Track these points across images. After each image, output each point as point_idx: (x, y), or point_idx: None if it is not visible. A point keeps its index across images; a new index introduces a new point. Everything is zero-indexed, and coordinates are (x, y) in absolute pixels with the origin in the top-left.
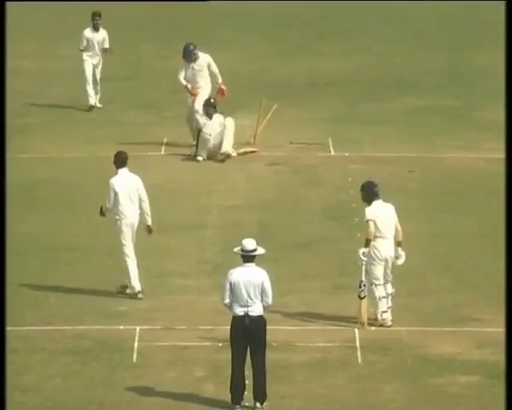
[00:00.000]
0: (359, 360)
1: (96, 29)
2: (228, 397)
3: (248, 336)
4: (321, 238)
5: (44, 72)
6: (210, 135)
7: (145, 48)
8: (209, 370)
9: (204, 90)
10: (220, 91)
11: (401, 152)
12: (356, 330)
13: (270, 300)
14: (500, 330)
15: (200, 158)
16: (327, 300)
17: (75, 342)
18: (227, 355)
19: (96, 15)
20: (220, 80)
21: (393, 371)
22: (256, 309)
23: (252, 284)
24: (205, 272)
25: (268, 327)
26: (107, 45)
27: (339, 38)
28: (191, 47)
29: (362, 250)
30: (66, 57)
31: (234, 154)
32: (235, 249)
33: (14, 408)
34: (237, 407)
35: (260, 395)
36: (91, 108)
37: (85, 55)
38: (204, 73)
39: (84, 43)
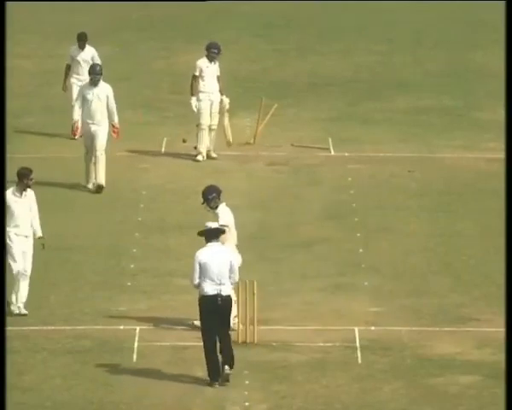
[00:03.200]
0: (359, 360)
1: (81, 47)
2: (227, 397)
3: (218, 314)
4: (321, 238)
5: (44, 72)
6: (206, 125)
7: (145, 48)
8: None
9: (102, 129)
10: (114, 131)
11: (401, 152)
12: (356, 330)
13: (236, 277)
14: (500, 330)
15: (200, 158)
16: (327, 300)
17: (75, 342)
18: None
19: (82, 37)
20: (116, 119)
21: (393, 371)
22: (226, 288)
23: (222, 263)
24: None
25: (268, 327)
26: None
27: (339, 37)
28: (97, 68)
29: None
30: (66, 57)
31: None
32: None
33: (14, 408)
34: (216, 383)
35: (228, 360)
36: (73, 138)
37: (73, 79)
38: (103, 103)
39: (70, 61)
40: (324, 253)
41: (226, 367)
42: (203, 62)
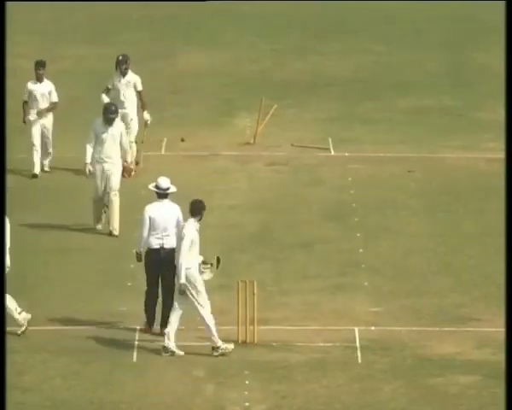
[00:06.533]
0: (359, 360)
1: (39, 80)
2: (227, 397)
3: (162, 266)
4: (321, 238)
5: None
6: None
7: (145, 48)
8: (209, 370)
9: (117, 168)
10: (127, 171)
11: (401, 152)
12: (356, 330)
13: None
14: (500, 330)
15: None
16: (327, 300)
17: (75, 342)
18: (227, 355)
19: (39, 65)
20: (129, 159)
21: (393, 371)
22: (170, 242)
23: (168, 218)
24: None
25: (268, 327)
26: (55, 99)
27: (338, 37)
28: (113, 108)
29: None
30: (65, 57)
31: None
32: (150, 186)
33: (14, 408)
34: (152, 328)
35: (165, 322)
36: (35, 176)
37: (32, 115)
38: (117, 142)
39: (26, 97)
40: (324, 253)
41: (165, 330)
42: (115, 77)
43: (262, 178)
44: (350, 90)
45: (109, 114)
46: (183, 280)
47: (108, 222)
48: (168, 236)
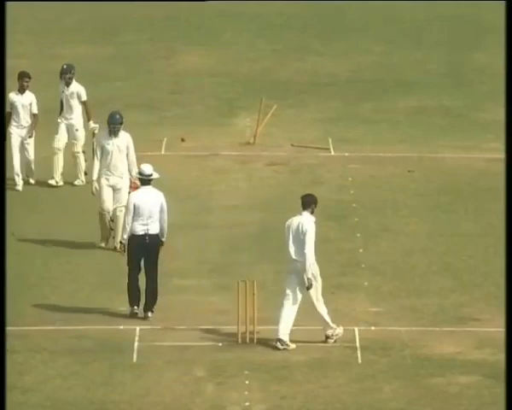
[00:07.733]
0: (359, 360)
1: (21, 91)
2: (227, 397)
3: (146, 251)
4: (321, 238)
5: (43, 72)
6: (57, 149)
7: (145, 48)
8: (209, 370)
9: (124, 182)
10: (132, 186)
11: (401, 152)
12: (356, 330)
13: (166, 216)
14: (500, 330)
15: (52, 182)
16: (327, 300)
17: (75, 342)
18: (227, 355)
19: (24, 76)
20: (134, 172)
21: (393, 371)
22: (154, 228)
23: (152, 204)
24: (205, 272)
25: (268, 327)
26: (35, 111)
27: (338, 37)
28: (117, 117)
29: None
30: (64, 57)
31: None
32: (134, 173)
33: (14, 408)
34: (135, 307)
35: (151, 305)
36: (18, 190)
37: (12, 127)
38: (123, 154)
39: (8, 108)
40: (324, 253)
41: (149, 314)
42: (60, 86)
43: (262, 178)
44: (350, 90)
45: (114, 124)
46: (309, 275)
47: (114, 237)
48: (153, 222)
